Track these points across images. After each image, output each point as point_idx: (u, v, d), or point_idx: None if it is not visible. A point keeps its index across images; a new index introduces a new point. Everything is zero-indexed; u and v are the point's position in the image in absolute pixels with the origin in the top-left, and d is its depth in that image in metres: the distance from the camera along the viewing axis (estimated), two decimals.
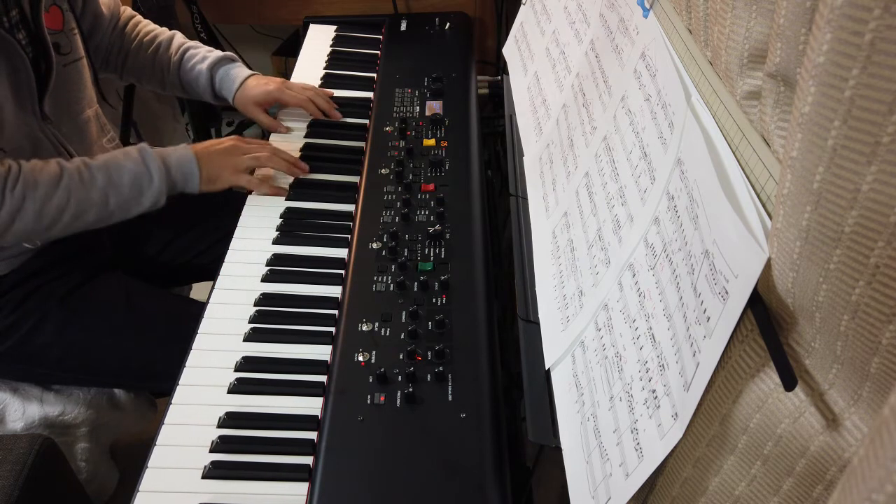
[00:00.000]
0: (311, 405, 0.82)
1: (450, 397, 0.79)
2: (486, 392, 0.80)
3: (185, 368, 0.86)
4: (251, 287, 0.96)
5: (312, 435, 0.79)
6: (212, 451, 0.77)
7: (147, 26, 1.31)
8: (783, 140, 0.50)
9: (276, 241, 1.04)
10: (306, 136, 1.26)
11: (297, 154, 1.21)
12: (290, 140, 1.25)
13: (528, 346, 0.83)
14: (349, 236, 1.03)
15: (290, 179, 1.15)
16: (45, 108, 1.03)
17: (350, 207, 1.09)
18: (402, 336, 0.86)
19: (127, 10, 1.31)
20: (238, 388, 0.84)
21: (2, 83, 0.95)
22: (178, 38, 1.31)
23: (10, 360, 1.07)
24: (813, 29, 0.37)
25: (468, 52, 1.46)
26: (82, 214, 0.98)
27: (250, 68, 1.30)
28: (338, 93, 1.36)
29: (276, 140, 1.25)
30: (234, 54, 1.30)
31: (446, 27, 1.53)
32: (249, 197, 1.12)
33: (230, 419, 0.80)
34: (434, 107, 1.27)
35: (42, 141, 1.03)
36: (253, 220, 1.08)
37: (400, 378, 0.81)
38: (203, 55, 1.27)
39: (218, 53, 1.28)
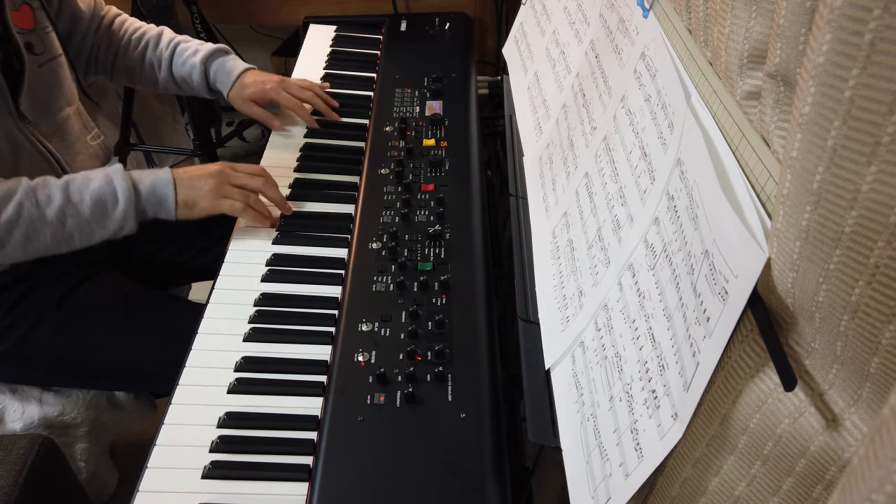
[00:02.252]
0: (311, 405, 0.82)
1: (450, 397, 0.79)
2: (486, 392, 0.80)
3: (185, 368, 0.86)
4: (251, 287, 0.96)
5: (312, 435, 0.79)
6: (212, 451, 0.77)
7: (134, 23, 1.29)
8: (783, 140, 0.50)
9: (276, 241, 1.04)
10: (306, 136, 1.26)
11: (296, 154, 1.22)
12: (290, 140, 1.25)
13: (528, 346, 0.83)
14: (349, 236, 1.03)
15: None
16: (22, 107, 1.02)
17: (350, 208, 1.09)
18: (402, 336, 0.86)
19: (112, 9, 1.29)
20: (238, 388, 0.84)
21: None
22: (168, 33, 1.28)
23: (7, 363, 1.06)
24: (813, 29, 0.37)
25: (468, 52, 1.46)
26: (36, 234, 0.92)
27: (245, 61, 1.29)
28: (338, 92, 1.36)
29: (275, 140, 1.25)
30: (227, 46, 1.28)
31: (446, 27, 1.53)
32: None
33: (230, 419, 0.80)
34: (434, 107, 1.27)
35: (21, 141, 1.02)
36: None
37: (400, 378, 0.81)
38: (195, 48, 1.25)
39: (210, 46, 1.25)
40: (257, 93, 1.23)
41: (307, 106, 1.27)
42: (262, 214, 1.04)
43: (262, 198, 1.05)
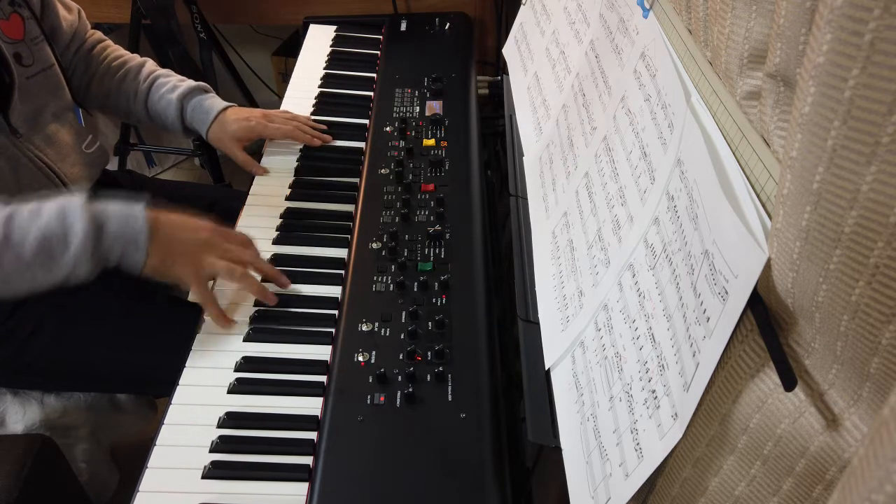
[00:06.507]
0: (311, 405, 0.82)
1: (450, 397, 0.79)
2: (486, 392, 0.80)
3: (185, 368, 0.86)
4: None
5: (312, 435, 0.79)
6: (212, 451, 0.77)
7: (117, 51, 1.23)
8: (783, 140, 0.50)
9: (276, 241, 1.04)
10: None
11: (296, 154, 1.21)
12: (290, 141, 1.25)
13: (528, 346, 0.83)
14: (349, 236, 1.03)
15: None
16: (13, 122, 0.97)
17: (350, 207, 1.09)
18: (402, 336, 0.86)
19: (96, 34, 1.23)
20: (238, 388, 0.84)
21: None
22: (149, 65, 1.22)
23: (7, 370, 1.05)
24: (813, 29, 0.37)
25: (468, 52, 1.46)
26: None
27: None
28: (338, 92, 1.36)
29: (275, 140, 1.25)
30: (207, 84, 1.22)
31: (446, 27, 1.53)
32: (249, 196, 1.12)
33: (230, 419, 0.80)
34: (434, 107, 1.27)
35: (19, 158, 0.98)
36: (253, 219, 1.08)
37: (400, 378, 0.81)
38: (174, 84, 1.19)
39: (190, 83, 1.20)
40: (242, 130, 1.17)
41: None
42: (224, 316, 0.90)
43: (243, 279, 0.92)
